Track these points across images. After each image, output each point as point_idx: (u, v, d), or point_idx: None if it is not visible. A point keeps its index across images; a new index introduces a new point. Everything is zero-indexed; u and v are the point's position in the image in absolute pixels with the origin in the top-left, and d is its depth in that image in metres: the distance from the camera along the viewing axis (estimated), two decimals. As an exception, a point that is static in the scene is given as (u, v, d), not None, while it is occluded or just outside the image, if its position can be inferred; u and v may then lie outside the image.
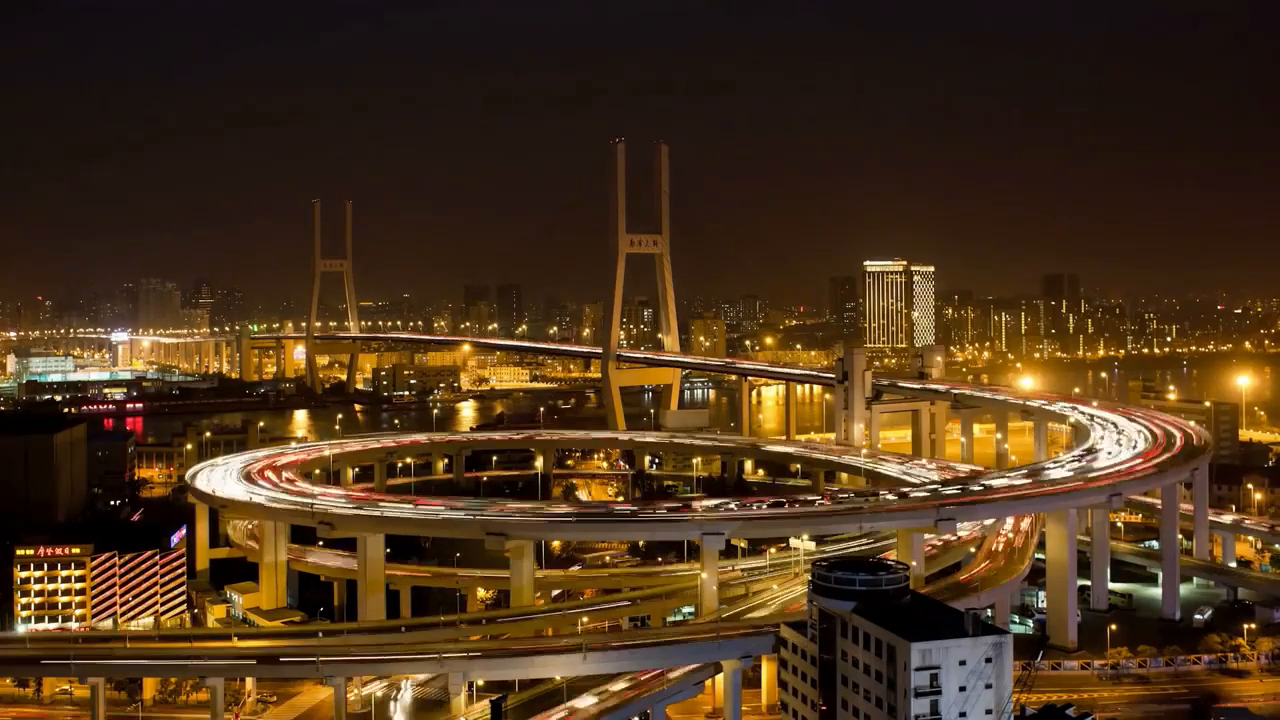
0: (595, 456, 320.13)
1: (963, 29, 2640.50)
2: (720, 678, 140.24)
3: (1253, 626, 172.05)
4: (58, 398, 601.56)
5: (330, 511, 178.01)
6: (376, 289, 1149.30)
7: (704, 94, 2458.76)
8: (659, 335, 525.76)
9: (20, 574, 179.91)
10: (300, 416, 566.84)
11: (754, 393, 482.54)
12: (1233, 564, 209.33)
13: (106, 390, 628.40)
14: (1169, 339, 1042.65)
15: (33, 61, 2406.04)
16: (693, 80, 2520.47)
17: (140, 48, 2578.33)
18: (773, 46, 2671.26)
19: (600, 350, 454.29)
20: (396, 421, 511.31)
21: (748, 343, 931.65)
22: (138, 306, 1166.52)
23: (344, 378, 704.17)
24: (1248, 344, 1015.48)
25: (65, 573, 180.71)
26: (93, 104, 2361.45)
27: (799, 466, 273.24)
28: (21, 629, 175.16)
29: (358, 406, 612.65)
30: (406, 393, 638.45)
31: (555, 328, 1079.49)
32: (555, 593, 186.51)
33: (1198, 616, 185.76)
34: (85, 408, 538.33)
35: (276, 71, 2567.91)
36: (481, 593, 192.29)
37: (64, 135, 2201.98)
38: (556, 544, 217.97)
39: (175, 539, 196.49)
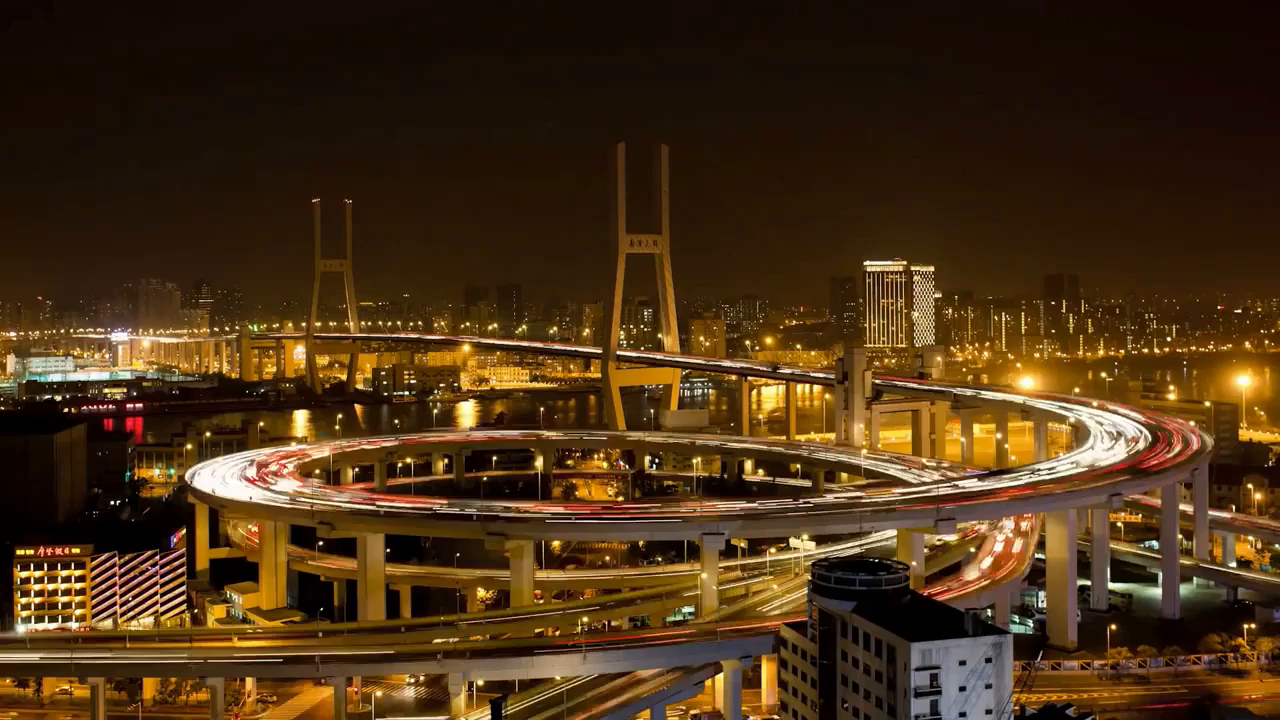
0: (595, 456, 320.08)
1: (962, 29, 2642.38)
2: (720, 678, 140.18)
3: (1253, 626, 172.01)
4: (58, 398, 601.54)
5: (328, 511, 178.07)
6: (376, 289, 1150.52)
7: (704, 95, 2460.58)
8: (659, 335, 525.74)
9: (20, 574, 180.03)
10: (300, 416, 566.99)
11: (754, 393, 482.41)
12: (1233, 564, 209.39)
13: (106, 390, 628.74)
14: (1169, 339, 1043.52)
15: (34, 61, 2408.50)
16: (693, 82, 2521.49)
17: (141, 48, 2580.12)
18: (773, 47, 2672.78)
19: (600, 350, 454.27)
20: (396, 421, 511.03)
21: (748, 343, 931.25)
22: (138, 306, 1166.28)
23: (344, 378, 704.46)
24: (1248, 344, 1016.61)
25: (65, 573, 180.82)
26: (93, 105, 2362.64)
27: (799, 466, 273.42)
28: (21, 629, 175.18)
29: (358, 406, 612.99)
30: (406, 393, 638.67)
31: (555, 328, 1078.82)
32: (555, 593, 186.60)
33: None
34: (85, 408, 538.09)
35: (276, 71, 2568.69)
36: (481, 593, 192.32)
37: (64, 136, 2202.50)
38: (556, 544, 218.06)
39: (175, 539, 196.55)
